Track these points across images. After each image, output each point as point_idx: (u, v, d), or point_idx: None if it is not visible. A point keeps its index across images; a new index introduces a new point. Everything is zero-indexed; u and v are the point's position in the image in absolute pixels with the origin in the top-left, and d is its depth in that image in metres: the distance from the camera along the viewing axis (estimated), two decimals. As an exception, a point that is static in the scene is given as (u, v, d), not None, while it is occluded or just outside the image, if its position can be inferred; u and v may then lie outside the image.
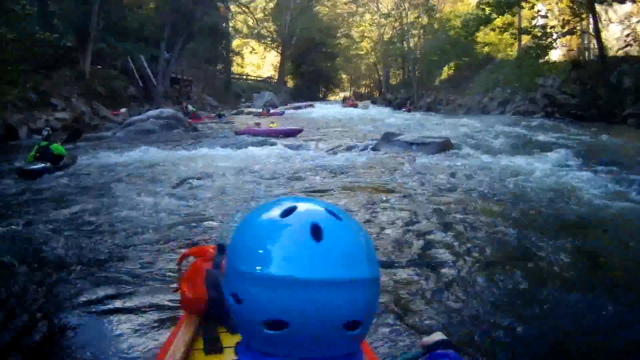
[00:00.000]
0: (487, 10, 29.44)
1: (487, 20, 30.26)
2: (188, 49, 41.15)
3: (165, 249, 5.93)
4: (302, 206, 1.09)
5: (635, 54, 29.48)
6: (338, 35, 71.49)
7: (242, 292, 1.04)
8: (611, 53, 28.14)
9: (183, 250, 3.26)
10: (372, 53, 67.19)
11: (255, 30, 57.85)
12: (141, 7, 40.10)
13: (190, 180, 10.19)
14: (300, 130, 19.81)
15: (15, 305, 4.46)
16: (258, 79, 68.62)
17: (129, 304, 4.44)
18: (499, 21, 31.56)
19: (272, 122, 22.08)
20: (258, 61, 73.09)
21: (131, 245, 5.97)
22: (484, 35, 40.37)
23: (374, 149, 14.41)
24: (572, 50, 36.40)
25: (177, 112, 26.78)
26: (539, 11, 31.37)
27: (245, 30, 55.23)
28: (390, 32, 60.59)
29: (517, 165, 11.23)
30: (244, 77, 64.65)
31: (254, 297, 1.02)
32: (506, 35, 37.69)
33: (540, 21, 30.74)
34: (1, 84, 19.10)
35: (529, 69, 29.84)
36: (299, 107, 46.59)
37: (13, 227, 6.63)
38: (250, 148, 15.55)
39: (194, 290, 1.95)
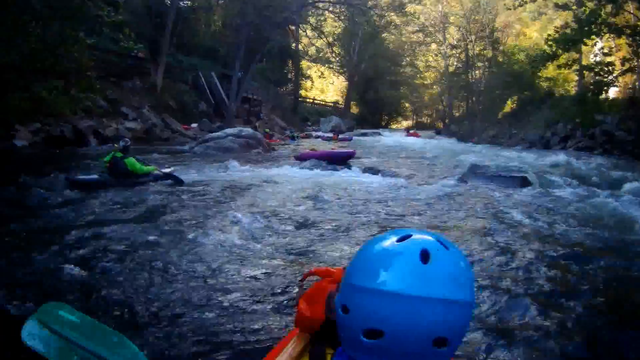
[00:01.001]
0: (554, 46, 29.77)
1: (553, 56, 30.56)
2: (258, 69, 41.74)
3: (275, 273, 5.88)
4: (416, 235, 1.29)
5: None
6: (403, 64, 71.66)
7: (350, 302, 1.27)
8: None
9: (305, 271, 3.34)
10: (438, 83, 67.40)
11: (325, 55, 58.52)
12: (210, 25, 41.31)
13: (282, 205, 10.08)
14: (353, 153, 20.14)
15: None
16: (322, 103, 69.50)
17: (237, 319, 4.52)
18: (563, 58, 31.83)
19: (314, 147, 22.45)
20: (322, 86, 73.72)
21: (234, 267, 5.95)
22: (544, 70, 40.37)
23: (460, 180, 14.60)
24: (628, 87, 36.28)
25: (256, 131, 27.11)
26: (601, 48, 31.53)
27: (311, 53, 55.92)
28: (455, 64, 60.98)
29: (594, 202, 11.38)
30: (310, 100, 65.58)
31: (360, 307, 1.24)
32: (564, 70, 37.89)
33: (601, 58, 30.89)
34: (77, 91, 20.15)
35: (590, 105, 30.06)
36: (365, 134, 47.09)
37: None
38: (337, 173, 15.86)
39: (312, 308, 1.90)
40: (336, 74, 68.07)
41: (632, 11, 27.87)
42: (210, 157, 19.34)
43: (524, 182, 13.91)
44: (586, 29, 27.35)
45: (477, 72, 53.23)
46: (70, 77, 19.28)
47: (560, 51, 30.22)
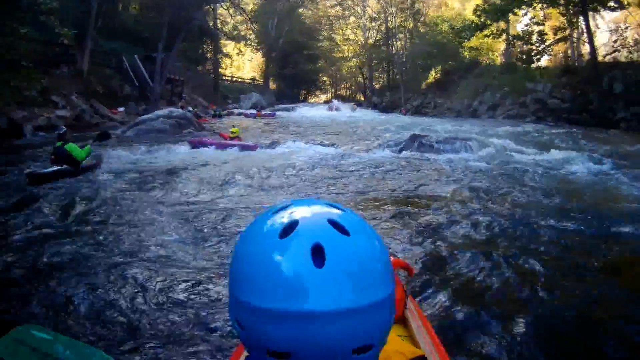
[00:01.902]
0: (482, 17, 30.28)
1: (482, 27, 31.14)
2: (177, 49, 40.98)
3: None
4: (303, 220, 0.99)
5: (624, 59, 30.57)
6: (320, 37, 71.81)
7: (243, 320, 0.99)
8: (599, 59, 29.13)
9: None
10: (358, 56, 67.70)
11: (243, 32, 57.75)
12: (128, 8, 40.18)
13: (216, 182, 10.35)
14: (256, 147, 16.98)
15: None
16: (240, 80, 68.79)
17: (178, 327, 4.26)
18: (492, 28, 32.50)
19: (234, 127, 20.44)
20: (239, 63, 72.96)
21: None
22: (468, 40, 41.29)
23: (402, 149, 14.83)
24: (558, 56, 37.46)
25: (186, 112, 26.90)
26: (532, 18, 32.32)
27: (228, 30, 55.10)
28: (375, 35, 61.26)
29: (528, 162, 12.21)
30: (229, 78, 64.69)
31: (255, 327, 0.97)
32: (488, 40, 38.84)
33: (535, 27, 31.70)
34: (17, 82, 19.19)
35: (520, 74, 30.80)
36: (287, 109, 47.14)
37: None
38: (277, 149, 16.01)
39: None
40: (254, 51, 67.40)
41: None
42: (144, 139, 19.17)
43: (464, 148, 14.44)
44: (518, -1, 27.89)
45: (398, 43, 53.52)
46: (12, 67, 18.43)
47: (489, 22, 30.79)
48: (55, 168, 10.38)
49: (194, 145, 16.97)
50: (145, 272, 5.15)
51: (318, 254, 0.93)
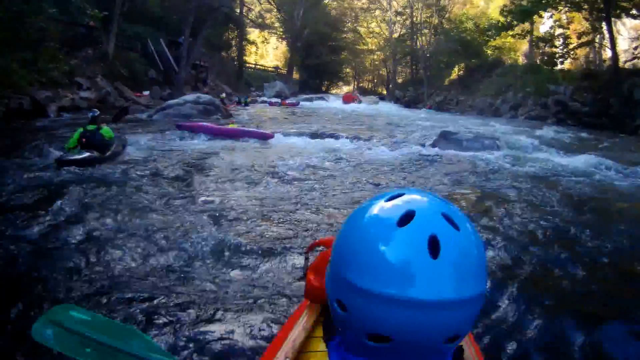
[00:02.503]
0: (509, 17, 30.33)
1: (508, 27, 31.16)
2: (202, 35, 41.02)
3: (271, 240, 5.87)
4: (420, 211, 1.03)
5: (643, 66, 30.51)
6: (345, 29, 71.80)
7: (348, 301, 1.04)
8: (619, 65, 29.04)
9: (309, 241, 3.21)
10: (382, 49, 67.61)
11: (268, 20, 57.86)
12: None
13: (263, 171, 10.18)
14: (271, 136, 15.75)
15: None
16: (263, 68, 68.85)
17: (245, 292, 4.51)
18: (518, 29, 32.53)
19: (233, 123, 18.22)
20: (262, 51, 73.00)
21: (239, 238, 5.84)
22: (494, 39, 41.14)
23: (432, 145, 14.77)
24: (579, 59, 37.33)
25: (213, 97, 26.82)
26: (557, 20, 32.31)
27: (252, 17, 55.11)
28: (400, 30, 61.19)
29: (554, 165, 12.23)
30: (252, 66, 64.78)
31: (361, 309, 1.02)
32: (510, 39, 38.78)
33: (559, 31, 31.70)
34: (44, 62, 19.35)
35: (543, 75, 30.81)
36: (311, 99, 46.73)
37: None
38: (305, 139, 15.89)
39: (320, 278, 1.83)
40: (279, 40, 67.43)
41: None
42: (171, 123, 18.68)
43: (496, 147, 14.45)
44: (543, 1, 27.85)
45: (422, 38, 53.45)
46: (37, 47, 18.52)
47: (515, 22, 30.81)
48: (85, 154, 9.91)
49: (184, 129, 15.86)
50: (179, 260, 5.25)
51: (433, 245, 0.98)
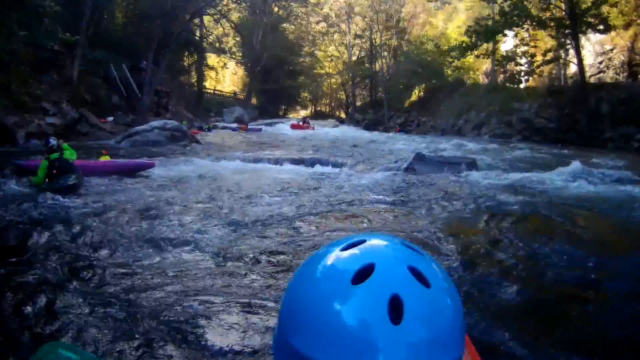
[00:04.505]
0: (473, 38, 30.91)
1: (473, 47, 31.73)
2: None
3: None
4: (380, 264, 0.87)
5: (609, 80, 31.36)
6: (302, 53, 72.23)
7: None
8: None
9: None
10: (341, 73, 68.10)
11: (227, 45, 57.87)
12: (114, 17, 39.98)
13: (232, 200, 10.05)
14: (152, 165, 13.85)
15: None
16: (221, 93, 68.80)
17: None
18: (482, 48, 33.17)
19: (105, 155, 14.27)
20: (219, 77, 72.93)
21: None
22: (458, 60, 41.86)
23: (406, 169, 14.30)
24: (543, 77, 38.19)
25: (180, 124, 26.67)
26: (523, 39, 33.07)
27: (210, 41, 55.12)
28: (359, 53, 61.84)
29: (539, 180, 12.17)
30: (211, 91, 64.60)
31: None
32: (470, 59, 39.51)
33: (523, 48, 32.42)
34: (16, 86, 18.89)
35: (507, 93, 31.41)
36: (271, 124, 46.57)
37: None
38: (277, 166, 15.72)
39: None
40: (239, 65, 67.50)
41: (555, 3, 29.08)
42: (141, 150, 18.95)
43: (473, 167, 14.30)
44: (509, 20, 28.48)
45: (382, 60, 54.00)
46: (8, 71, 18.19)
47: (479, 42, 31.39)
48: (72, 181, 9.84)
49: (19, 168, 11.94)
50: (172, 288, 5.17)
51: (395, 307, 0.82)
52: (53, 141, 10.60)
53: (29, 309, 4.60)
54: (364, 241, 0.92)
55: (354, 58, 62.16)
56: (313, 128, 42.99)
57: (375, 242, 0.92)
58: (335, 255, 0.91)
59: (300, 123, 45.73)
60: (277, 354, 0.92)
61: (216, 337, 4.08)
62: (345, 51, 64.51)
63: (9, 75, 18.21)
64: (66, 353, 1.69)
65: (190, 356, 3.80)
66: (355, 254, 0.89)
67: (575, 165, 13.49)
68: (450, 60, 39.75)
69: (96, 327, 4.25)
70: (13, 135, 19.08)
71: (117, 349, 3.93)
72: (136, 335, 4.13)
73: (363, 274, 0.84)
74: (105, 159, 13.63)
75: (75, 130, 24.52)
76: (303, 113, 79.89)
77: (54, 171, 9.86)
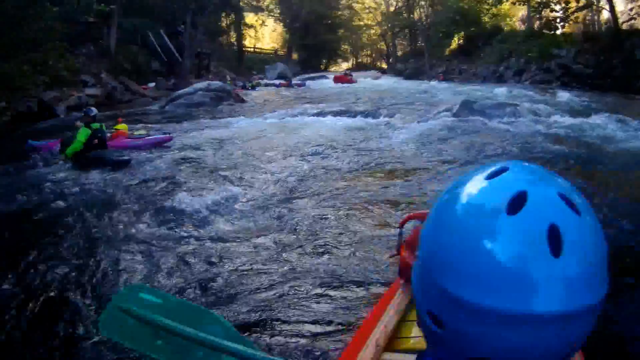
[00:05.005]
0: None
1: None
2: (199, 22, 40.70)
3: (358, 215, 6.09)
4: (532, 191, 0.75)
5: (640, 27, 30.57)
6: (340, 6, 71.49)
7: (446, 316, 0.80)
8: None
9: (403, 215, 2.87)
10: (380, 24, 67.26)
11: (265, 3, 57.63)
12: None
13: (311, 149, 10.64)
14: (170, 139, 12.54)
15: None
16: (262, 51, 68.72)
17: (331, 267, 4.64)
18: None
19: (120, 123, 12.90)
20: (259, 34, 72.81)
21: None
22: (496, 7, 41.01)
23: (454, 115, 14.53)
24: (578, 23, 37.27)
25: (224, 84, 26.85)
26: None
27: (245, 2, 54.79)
28: (395, 4, 60.98)
29: (586, 128, 12.27)
30: (251, 49, 64.68)
31: (462, 329, 0.78)
32: (506, 6, 38.61)
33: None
34: (53, 62, 19.31)
35: (545, 40, 30.89)
36: (313, 78, 46.39)
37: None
38: (324, 119, 15.90)
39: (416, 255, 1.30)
40: (277, 22, 67.26)
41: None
42: (188, 112, 19.17)
43: (518, 113, 14.33)
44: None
45: (420, 10, 53.18)
46: (44, 47, 18.46)
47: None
48: (126, 157, 9.81)
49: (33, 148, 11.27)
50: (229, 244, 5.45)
51: (553, 238, 0.72)
52: (93, 111, 10.38)
53: (115, 259, 5.06)
54: (507, 169, 0.82)
55: (391, 8, 61.17)
56: (355, 81, 41.97)
57: (519, 168, 0.82)
58: (481, 185, 0.81)
59: (344, 75, 45.13)
60: (423, 294, 0.85)
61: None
62: (383, 2, 63.55)
63: (45, 53, 18.50)
64: (148, 296, 1.89)
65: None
66: (504, 182, 0.79)
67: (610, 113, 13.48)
68: (487, 7, 39.01)
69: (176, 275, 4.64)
70: (52, 110, 19.41)
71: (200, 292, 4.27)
72: (210, 279, 4.49)
73: (516, 202, 0.75)
74: (122, 127, 12.61)
75: (117, 99, 25.09)
76: (345, 66, 79.32)
77: (95, 141, 9.76)
